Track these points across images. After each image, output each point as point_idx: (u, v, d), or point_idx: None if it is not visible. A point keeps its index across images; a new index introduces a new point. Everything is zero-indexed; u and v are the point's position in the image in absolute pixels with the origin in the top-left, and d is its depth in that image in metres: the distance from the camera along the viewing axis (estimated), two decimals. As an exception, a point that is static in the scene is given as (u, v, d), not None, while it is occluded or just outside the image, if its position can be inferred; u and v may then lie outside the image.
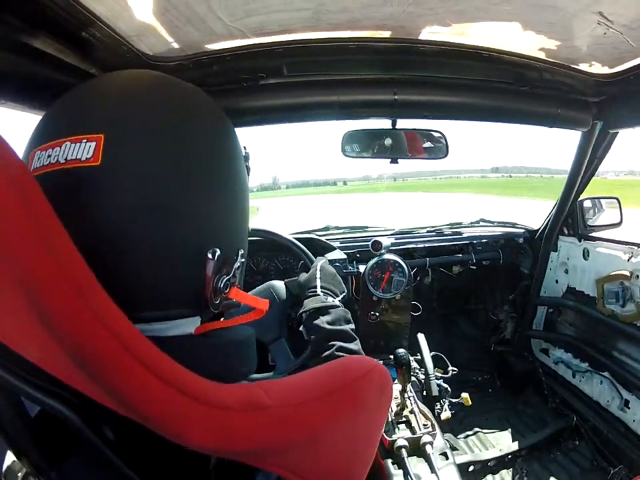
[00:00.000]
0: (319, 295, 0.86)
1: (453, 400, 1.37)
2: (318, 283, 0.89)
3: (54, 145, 0.33)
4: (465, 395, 1.42)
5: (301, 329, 0.88)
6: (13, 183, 0.25)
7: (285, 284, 1.11)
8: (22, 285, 0.25)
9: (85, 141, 0.32)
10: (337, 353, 0.72)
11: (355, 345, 0.75)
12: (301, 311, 0.87)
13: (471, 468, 1.52)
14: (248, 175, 0.45)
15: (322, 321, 0.80)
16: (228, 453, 0.31)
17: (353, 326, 0.81)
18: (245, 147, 0.44)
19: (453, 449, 1.56)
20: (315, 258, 1.19)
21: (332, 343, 0.75)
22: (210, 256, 0.35)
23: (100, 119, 0.34)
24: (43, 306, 0.25)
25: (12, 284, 0.26)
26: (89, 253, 0.27)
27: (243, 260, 0.40)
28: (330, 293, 0.87)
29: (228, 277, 0.37)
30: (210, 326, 0.40)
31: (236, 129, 0.43)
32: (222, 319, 0.44)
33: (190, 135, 0.36)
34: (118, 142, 0.33)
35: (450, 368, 1.44)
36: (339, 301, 0.87)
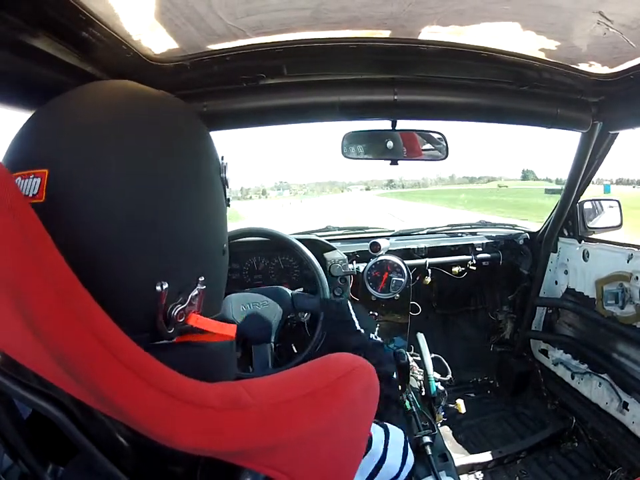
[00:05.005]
0: (360, 331, 0.85)
1: (450, 405, 1.37)
2: (354, 319, 0.88)
3: None
4: (459, 401, 1.42)
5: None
6: None
7: (291, 295, 1.11)
8: (7, 286, 0.25)
9: (33, 176, 0.32)
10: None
11: (392, 388, 0.74)
12: (347, 351, 0.89)
13: (470, 469, 1.51)
14: (227, 187, 0.43)
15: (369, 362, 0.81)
16: (212, 453, 0.31)
17: (394, 366, 0.81)
18: (222, 157, 0.42)
19: (452, 450, 1.56)
20: (315, 259, 1.19)
21: None
22: (159, 289, 0.35)
23: (46, 151, 0.33)
24: (26, 308, 0.25)
25: None
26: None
27: (204, 287, 0.39)
28: (366, 331, 0.88)
29: (183, 307, 0.37)
30: (191, 336, 0.40)
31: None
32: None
33: (144, 162, 0.34)
34: (62, 177, 0.32)
35: (449, 375, 1.44)
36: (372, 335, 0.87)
